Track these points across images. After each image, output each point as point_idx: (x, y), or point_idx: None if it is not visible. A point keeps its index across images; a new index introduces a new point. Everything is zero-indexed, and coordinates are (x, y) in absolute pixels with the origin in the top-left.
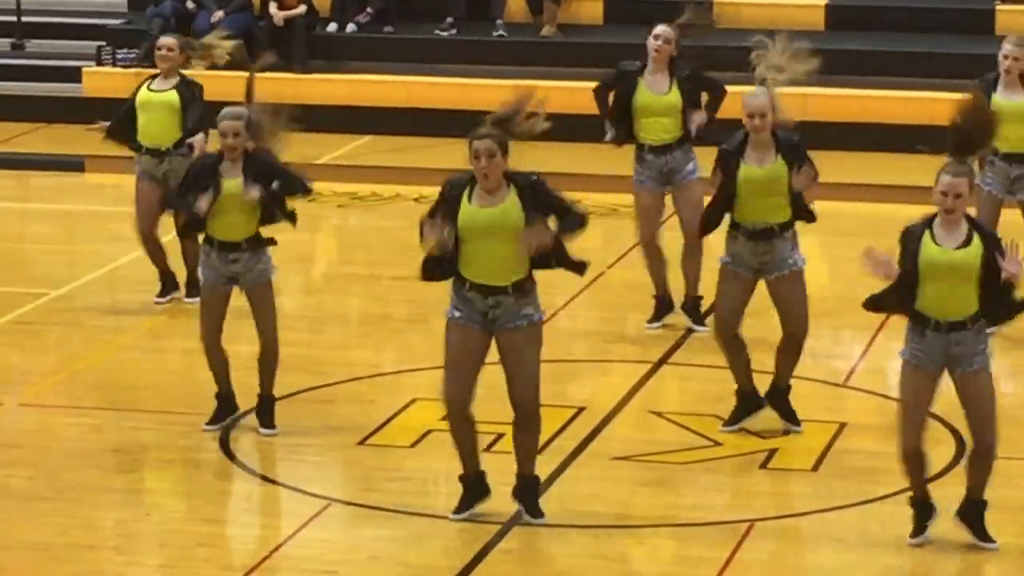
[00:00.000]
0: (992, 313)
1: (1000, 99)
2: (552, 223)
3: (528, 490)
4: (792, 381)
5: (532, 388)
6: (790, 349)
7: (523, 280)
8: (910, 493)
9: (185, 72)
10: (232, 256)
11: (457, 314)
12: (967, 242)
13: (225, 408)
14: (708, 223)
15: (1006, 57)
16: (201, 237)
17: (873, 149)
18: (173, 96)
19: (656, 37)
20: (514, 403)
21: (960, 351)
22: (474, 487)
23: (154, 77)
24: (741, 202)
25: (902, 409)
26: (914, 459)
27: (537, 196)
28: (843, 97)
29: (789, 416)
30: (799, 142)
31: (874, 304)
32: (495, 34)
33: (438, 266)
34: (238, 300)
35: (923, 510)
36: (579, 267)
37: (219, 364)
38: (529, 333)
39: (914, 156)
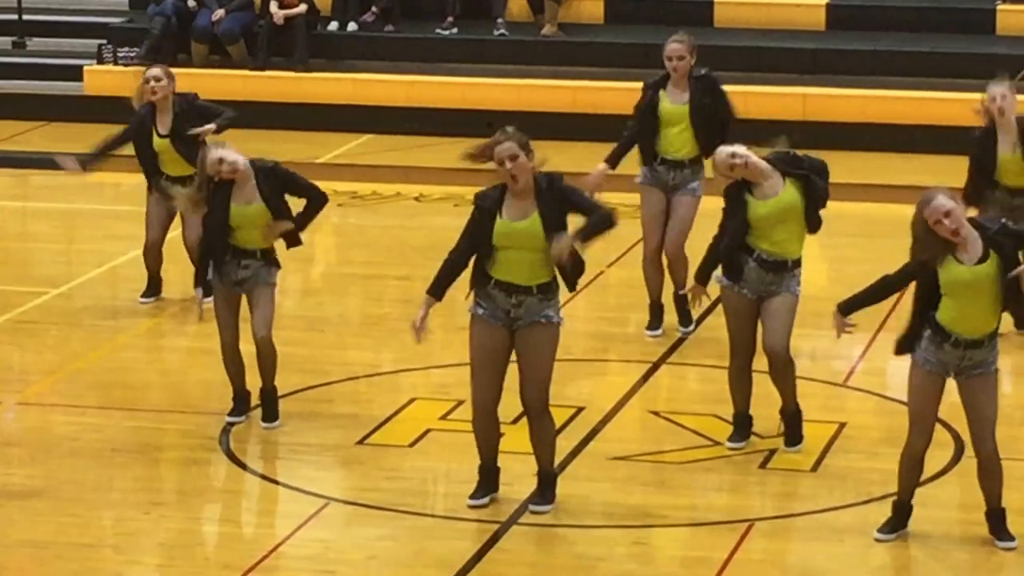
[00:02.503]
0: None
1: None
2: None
3: (545, 483)
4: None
5: (541, 390)
6: (771, 372)
7: (548, 283)
8: (895, 497)
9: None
10: (244, 262)
11: (480, 311)
12: (984, 257)
13: (243, 400)
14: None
15: (993, 99)
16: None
17: (873, 149)
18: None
19: (669, 59)
20: (524, 403)
21: (971, 363)
22: (489, 478)
23: (153, 109)
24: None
25: (910, 413)
26: (918, 466)
27: (555, 196)
28: (843, 97)
29: (792, 438)
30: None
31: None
32: (496, 33)
33: (478, 269)
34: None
35: (904, 513)
36: (572, 282)
37: (236, 370)
38: (547, 332)
39: (914, 156)
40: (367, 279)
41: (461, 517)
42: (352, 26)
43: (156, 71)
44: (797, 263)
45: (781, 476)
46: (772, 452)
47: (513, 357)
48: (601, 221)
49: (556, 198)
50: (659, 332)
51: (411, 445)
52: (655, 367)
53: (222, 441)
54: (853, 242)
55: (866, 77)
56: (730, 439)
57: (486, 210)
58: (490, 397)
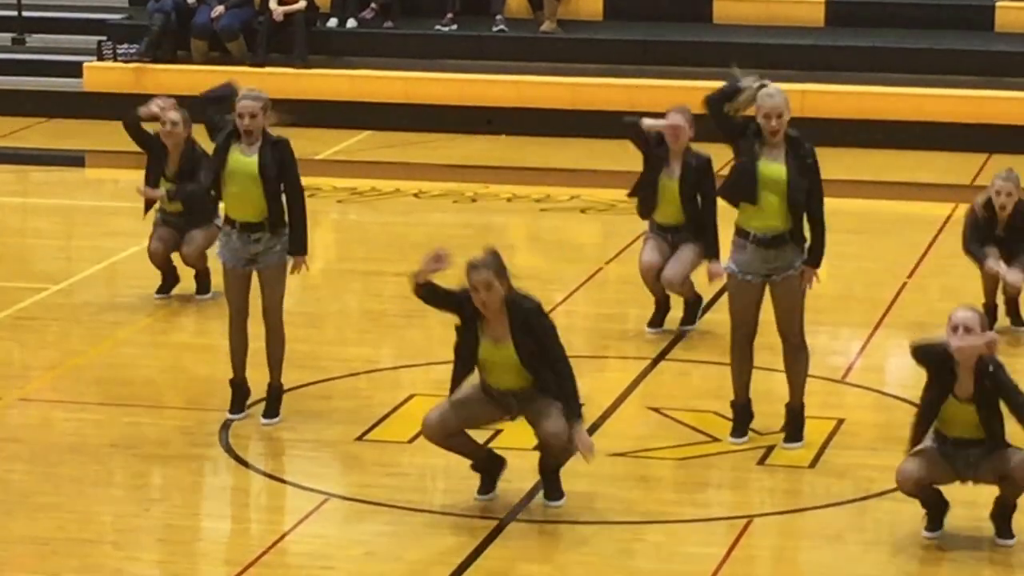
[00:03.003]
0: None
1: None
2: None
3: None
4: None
5: (560, 453)
6: (785, 356)
7: (536, 385)
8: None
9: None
10: (254, 236)
11: (484, 388)
12: (973, 397)
13: (241, 395)
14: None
15: (999, 193)
16: (221, 220)
17: (872, 145)
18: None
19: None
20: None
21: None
22: (488, 467)
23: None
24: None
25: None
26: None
27: (531, 329)
28: (842, 93)
29: (792, 435)
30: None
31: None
32: (495, 29)
33: (464, 372)
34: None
35: (937, 508)
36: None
37: (239, 347)
38: (551, 409)
39: (912, 153)
40: (366, 275)
41: (460, 513)
42: (351, 23)
43: (174, 115)
44: (792, 235)
45: (780, 472)
46: (771, 448)
47: None
48: (574, 388)
49: (530, 336)
50: (660, 330)
51: (410, 441)
52: (654, 363)
53: (222, 437)
54: (851, 239)
55: (865, 73)
56: (732, 434)
57: (469, 331)
58: (446, 431)
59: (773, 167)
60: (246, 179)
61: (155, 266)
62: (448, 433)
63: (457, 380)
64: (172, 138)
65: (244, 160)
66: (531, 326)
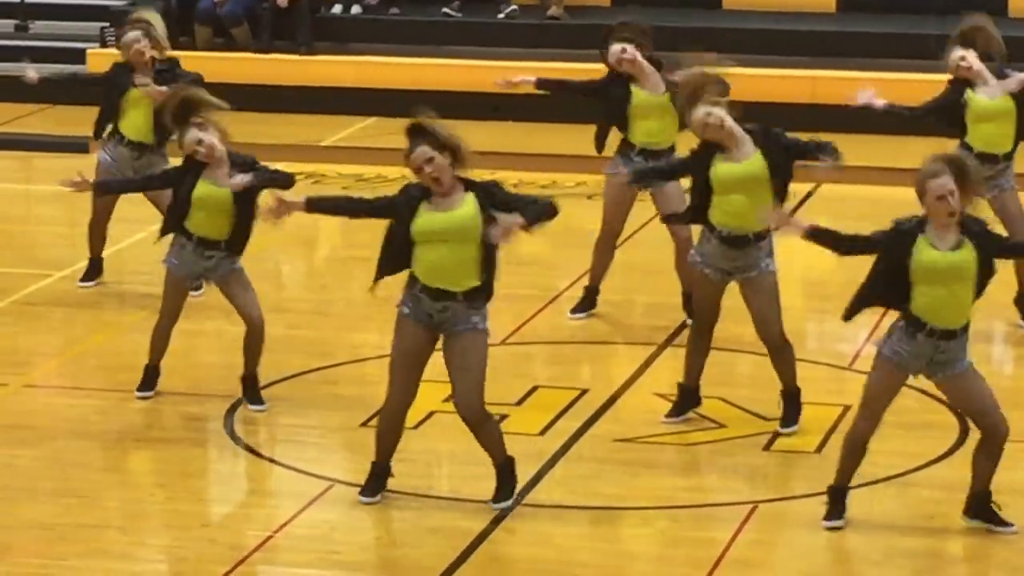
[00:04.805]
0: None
1: (979, 97)
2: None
3: (500, 475)
4: (797, 364)
5: (474, 396)
6: (770, 357)
7: (477, 289)
8: (834, 482)
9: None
10: (208, 253)
11: (406, 310)
12: (959, 244)
13: (151, 378)
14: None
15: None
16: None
17: (883, 132)
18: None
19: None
20: (458, 410)
21: (944, 358)
22: (381, 478)
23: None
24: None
25: (865, 399)
26: (860, 450)
27: (495, 197)
28: (854, 79)
29: (788, 418)
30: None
31: (856, 308)
32: (501, 16)
33: (391, 261)
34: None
35: (841, 499)
36: (550, 211)
37: (160, 343)
38: (474, 340)
39: (924, 139)
40: (371, 262)
41: (465, 498)
42: (356, 8)
43: (136, 33)
44: (761, 236)
45: (785, 458)
46: (776, 434)
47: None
48: (542, 211)
49: (492, 196)
50: (582, 316)
51: (415, 427)
52: (660, 350)
53: (227, 423)
54: (861, 225)
55: (876, 60)
56: (667, 414)
57: (412, 197)
58: (405, 401)
59: (742, 165)
60: (215, 209)
61: (92, 236)
62: (410, 400)
63: (386, 266)
64: (140, 56)
65: (215, 191)
66: (493, 194)
